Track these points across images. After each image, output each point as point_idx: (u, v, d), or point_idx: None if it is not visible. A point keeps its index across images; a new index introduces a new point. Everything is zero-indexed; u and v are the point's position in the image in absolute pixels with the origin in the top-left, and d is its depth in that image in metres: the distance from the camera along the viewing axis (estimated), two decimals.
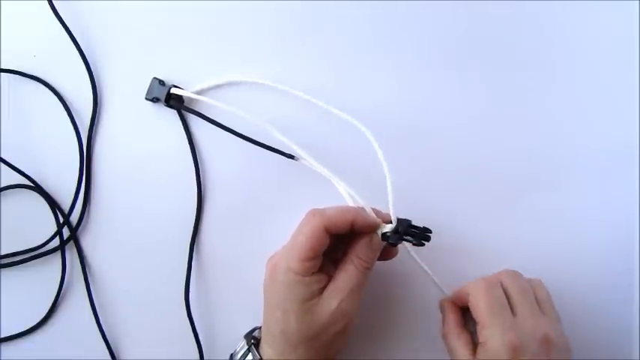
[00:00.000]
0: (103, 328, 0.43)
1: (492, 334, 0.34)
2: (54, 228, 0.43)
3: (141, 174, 0.44)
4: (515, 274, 0.38)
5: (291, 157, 0.40)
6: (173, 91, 0.42)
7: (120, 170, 0.44)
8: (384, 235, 0.37)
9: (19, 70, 0.44)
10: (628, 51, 0.42)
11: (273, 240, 0.39)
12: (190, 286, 0.43)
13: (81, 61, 0.43)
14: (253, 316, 0.41)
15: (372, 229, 0.37)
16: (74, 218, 0.43)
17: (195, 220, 0.43)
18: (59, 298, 0.44)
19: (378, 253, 0.38)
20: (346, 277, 0.36)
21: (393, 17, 0.43)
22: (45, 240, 0.43)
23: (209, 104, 0.42)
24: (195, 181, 0.43)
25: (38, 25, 0.44)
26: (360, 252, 0.37)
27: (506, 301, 0.36)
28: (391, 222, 0.37)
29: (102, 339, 0.43)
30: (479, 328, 0.36)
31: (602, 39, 0.43)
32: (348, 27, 0.43)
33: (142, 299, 0.44)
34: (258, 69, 0.43)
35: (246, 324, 0.42)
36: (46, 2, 0.43)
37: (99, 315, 0.43)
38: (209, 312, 0.44)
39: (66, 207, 0.43)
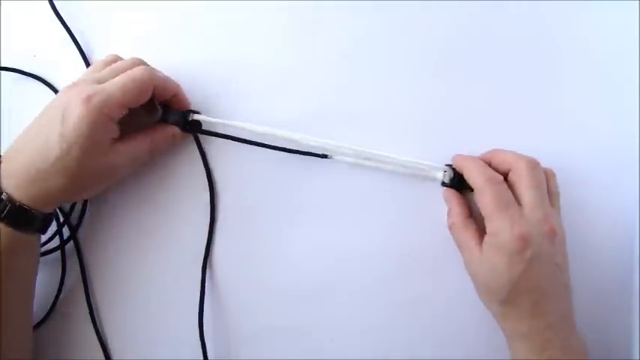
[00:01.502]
0: (99, 328, 0.43)
1: (501, 227, 0.35)
2: (54, 228, 0.43)
3: (141, 174, 0.43)
4: (531, 165, 0.37)
5: (324, 156, 0.41)
6: (194, 117, 0.41)
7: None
8: (445, 184, 0.40)
9: (20, 69, 0.44)
10: (628, 51, 0.42)
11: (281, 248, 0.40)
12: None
13: (81, 60, 0.43)
14: (255, 320, 0.42)
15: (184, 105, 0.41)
16: (75, 219, 0.43)
17: (210, 229, 0.43)
18: (59, 298, 0.43)
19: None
20: (137, 149, 0.39)
21: (396, 17, 0.43)
22: (45, 240, 0.43)
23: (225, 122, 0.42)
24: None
25: (39, 24, 0.44)
26: (161, 139, 0.40)
27: (511, 196, 0.36)
28: None
29: (98, 340, 0.43)
30: (486, 220, 0.36)
31: (602, 39, 0.43)
32: (353, 26, 0.43)
33: (142, 301, 0.44)
34: (260, 73, 0.43)
35: (250, 328, 0.42)
36: (47, 2, 0.43)
37: (95, 316, 0.43)
38: (214, 317, 0.43)
39: (66, 207, 0.43)
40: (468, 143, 0.42)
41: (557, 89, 0.43)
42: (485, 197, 0.36)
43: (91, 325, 0.43)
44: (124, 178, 0.42)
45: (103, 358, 0.43)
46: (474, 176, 0.37)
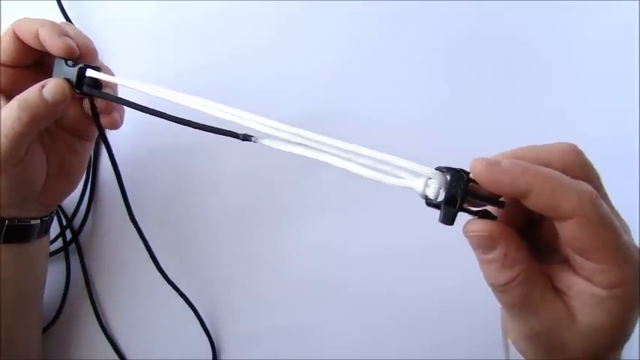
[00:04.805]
0: (106, 328, 0.43)
1: (629, 273, 0.23)
2: (57, 230, 0.43)
3: (144, 177, 0.43)
4: (579, 153, 0.27)
5: (246, 138, 0.29)
6: (90, 74, 0.33)
7: (126, 173, 0.43)
8: (429, 201, 0.25)
9: None
10: (628, 51, 0.43)
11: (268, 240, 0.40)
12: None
13: None
14: (261, 311, 0.42)
15: (57, 50, 0.32)
16: (77, 222, 0.43)
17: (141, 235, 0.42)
18: (66, 299, 0.43)
19: (49, 108, 0.32)
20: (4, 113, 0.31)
21: (397, 17, 0.44)
22: None
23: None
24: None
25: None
26: (23, 95, 0.32)
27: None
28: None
29: (107, 340, 0.42)
30: (602, 266, 0.23)
31: (602, 39, 0.43)
32: (353, 25, 0.44)
33: (145, 300, 0.43)
34: (260, 72, 0.43)
35: (254, 317, 0.42)
36: (56, 3, 0.43)
37: (101, 316, 0.43)
38: (216, 316, 0.43)
39: (69, 210, 0.43)
40: (467, 143, 0.42)
41: (557, 89, 0.43)
42: (603, 232, 0.22)
43: (97, 325, 0.42)
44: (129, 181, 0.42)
45: (111, 356, 0.43)
46: (571, 199, 0.22)
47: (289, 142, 0.27)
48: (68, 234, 0.43)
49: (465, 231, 0.24)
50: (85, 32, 0.42)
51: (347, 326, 0.42)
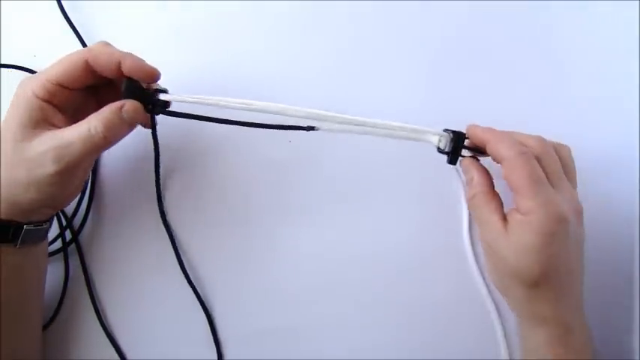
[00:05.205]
0: (107, 326, 0.42)
1: (536, 205, 0.32)
2: (57, 231, 0.42)
3: (144, 176, 0.43)
4: (543, 143, 0.36)
5: (311, 128, 0.36)
6: (163, 97, 0.36)
7: (126, 173, 0.43)
8: (440, 150, 0.37)
9: (23, 66, 0.43)
10: (628, 51, 0.43)
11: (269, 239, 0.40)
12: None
13: None
14: (265, 312, 0.42)
15: (145, 76, 0.35)
16: (77, 222, 0.43)
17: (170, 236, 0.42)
18: (64, 300, 0.42)
19: (125, 126, 0.35)
20: (74, 132, 0.34)
21: (397, 17, 0.44)
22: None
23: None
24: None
25: (42, 22, 0.43)
26: (103, 113, 0.34)
27: (544, 174, 0.34)
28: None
29: (107, 338, 0.42)
30: (517, 196, 0.33)
31: (602, 39, 0.43)
32: (353, 26, 0.44)
33: (144, 300, 0.43)
34: (261, 71, 0.43)
35: (258, 317, 0.42)
36: (56, 3, 0.43)
37: (101, 315, 0.42)
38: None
39: (69, 210, 0.43)
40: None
41: (557, 89, 0.43)
42: (520, 172, 0.33)
43: (97, 324, 0.42)
44: (130, 181, 0.42)
45: (111, 356, 0.42)
46: (504, 147, 0.34)
47: (341, 123, 0.36)
48: (68, 234, 0.42)
49: (461, 164, 0.38)
50: (85, 33, 0.43)
51: (350, 325, 0.42)
